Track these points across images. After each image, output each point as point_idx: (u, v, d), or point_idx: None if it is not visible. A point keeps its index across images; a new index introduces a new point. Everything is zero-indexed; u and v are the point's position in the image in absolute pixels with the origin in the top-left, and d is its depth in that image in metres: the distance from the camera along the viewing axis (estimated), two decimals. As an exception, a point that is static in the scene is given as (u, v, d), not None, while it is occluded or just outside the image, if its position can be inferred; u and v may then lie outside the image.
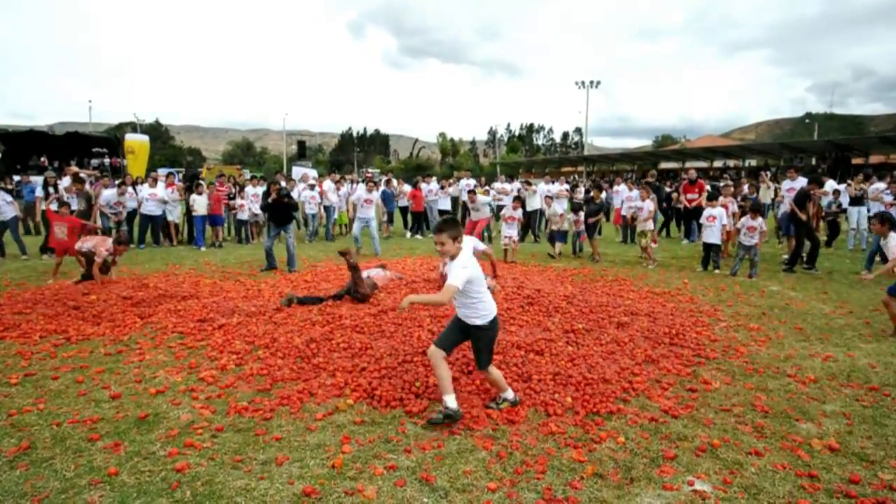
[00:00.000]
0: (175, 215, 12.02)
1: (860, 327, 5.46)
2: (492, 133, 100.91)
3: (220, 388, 3.65)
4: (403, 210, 14.99)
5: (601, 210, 10.16)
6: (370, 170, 47.93)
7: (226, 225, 12.82)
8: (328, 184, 13.83)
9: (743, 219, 8.45)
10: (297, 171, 19.48)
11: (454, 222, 3.20)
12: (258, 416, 3.24)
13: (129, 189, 11.71)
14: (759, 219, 8.21)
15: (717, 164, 44.82)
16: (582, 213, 10.38)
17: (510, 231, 10.02)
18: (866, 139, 37.14)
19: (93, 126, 58.38)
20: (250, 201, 12.44)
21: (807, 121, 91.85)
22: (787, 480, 2.61)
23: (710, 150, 47.77)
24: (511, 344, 4.29)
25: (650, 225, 9.59)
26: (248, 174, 34.46)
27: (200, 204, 11.54)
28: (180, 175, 22.35)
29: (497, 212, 13.73)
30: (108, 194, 11.01)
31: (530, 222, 13.11)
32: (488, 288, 3.40)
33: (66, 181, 12.12)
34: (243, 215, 12.44)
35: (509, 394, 3.39)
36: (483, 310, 3.20)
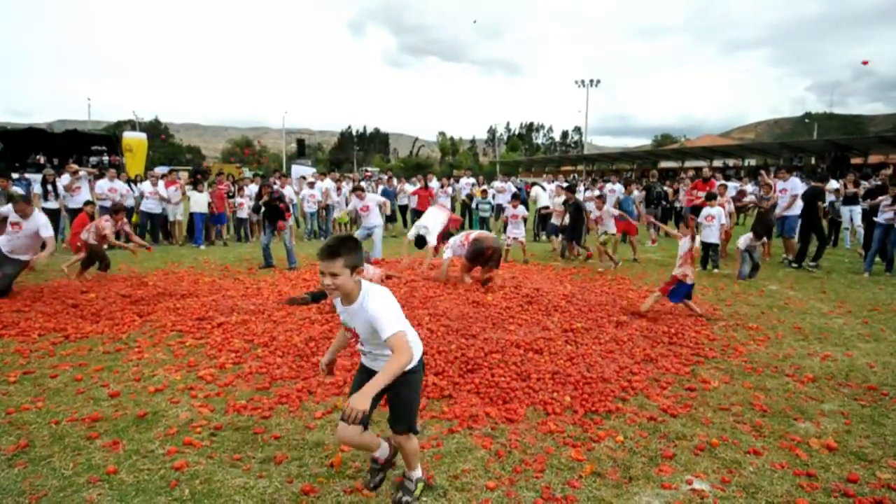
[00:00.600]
0: (178, 213, 11.98)
1: (859, 327, 5.47)
2: (491, 132, 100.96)
3: (218, 387, 3.65)
4: (403, 208, 14.99)
5: (579, 210, 9.94)
6: (369, 169, 47.91)
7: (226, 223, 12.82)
8: (328, 182, 13.82)
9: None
10: (296, 170, 19.47)
11: (352, 243, 2.18)
12: (257, 414, 3.24)
13: (125, 185, 11.71)
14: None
15: (717, 163, 44.82)
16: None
17: (517, 231, 9.88)
18: (866, 139, 37.17)
19: (92, 124, 58.31)
20: (249, 199, 12.45)
21: (806, 120, 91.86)
22: (786, 479, 2.62)
23: (709, 150, 47.76)
24: (510, 343, 4.29)
25: (612, 228, 9.38)
26: (248, 173, 34.44)
27: (199, 201, 11.54)
28: (181, 173, 22.27)
29: (497, 212, 13.74)
30: (101, 183, 11.30)
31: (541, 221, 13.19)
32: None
33: (65, 178, 12.11)
34: (243, 213, 12.44)
35: (419, 472, 2.47)
36: None
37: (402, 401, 2.33)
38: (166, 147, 69.41)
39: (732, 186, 13.42)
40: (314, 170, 23.62)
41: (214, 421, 3.14)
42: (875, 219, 8.72)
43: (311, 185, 13.36)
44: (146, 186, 11.62)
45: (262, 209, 8.98)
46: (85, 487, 2.49)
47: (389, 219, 14.42)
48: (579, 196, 13.75)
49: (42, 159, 27.75)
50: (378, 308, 2.12)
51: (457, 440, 2.97)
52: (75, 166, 11.73)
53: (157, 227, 11.75)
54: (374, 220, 9.33)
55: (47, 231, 6.26)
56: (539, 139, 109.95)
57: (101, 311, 5.50)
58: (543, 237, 13.03)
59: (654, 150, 60.53)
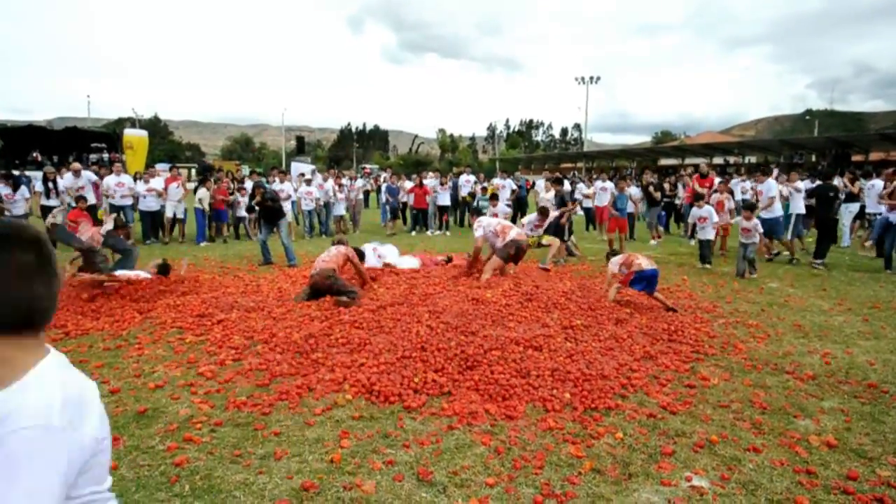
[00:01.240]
0: (180, 210, 11.79)
1: (859, 324, 5.47)
2: (491, 129, 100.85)
3: (218, 383, 3.65)
4: (404, 206, 14.97)
5: (564, 204, 9.85)
6: (368, 166, 47.87)
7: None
8: (329, 183, 13.67)
9: (737, 218, 8.46)
10: (295, 168, 19.43)
11: None
12: (257, 410, 3.24)
13: (131, 179, 11.65)
14: (754, 220, 8.14)
15: (717, 160, 44.79)
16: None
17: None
18: (866, 136, 37.09)
19: (91, 121, 58.26)
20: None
21: (807, 117, 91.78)
22: (785, 476, 2.62)
23: (709, 147, 47.69)
24: (510, 340, 4.28)
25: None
26: (246, 170, 34.39)
27: (204, 199, 11.47)
28: (181, 170, 22.17)
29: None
30: (108, 179, 11.20)
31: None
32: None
33: (67, 177, 12.09)
34: (241, 211, 12.42)
35: None
36: None
37: None
38: (166, 144, 69.28)
39: (736, 183, 13.29)
40: (314, 167, 23.60)
41: (214, 417, 3.14)
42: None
43: (309, 182, 13.32)
44: (140, 187, 11.47)
45: (257, 209, 9.04)
46: (85, 483, 2.49)
47: (393, 216, 14.40)
48: (577, 195, 13.72)
49: (39, 156, 27.76)
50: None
51: (456, 437, 2.97)
52: (77, 165, 11.67)
53: (158, 225, 11.69)
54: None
55: None
56: (539, 136, 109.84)
57: (102, 308, 5.50)
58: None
59: (654, 148, 60.51)
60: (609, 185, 13.34)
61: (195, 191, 11.98)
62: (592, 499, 2.44)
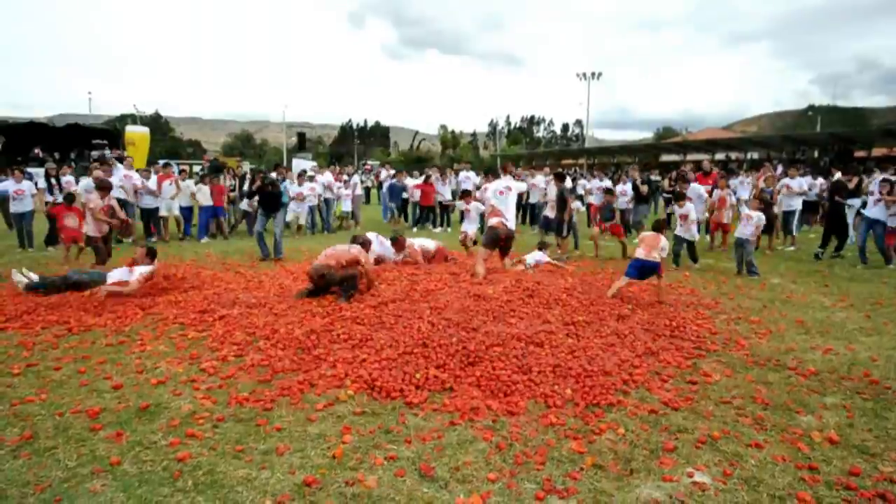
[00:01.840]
0: (175, 208, 11.65)
1: (861, 321, 5.46)
2: (493, 125, 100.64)
3: (221, 379, 3.66)
4: (405, 203, 14.98)
5: (563, 201, 9.72)
6: (370, 162, 47.80)
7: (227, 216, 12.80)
8: (328, 176, 13.76)
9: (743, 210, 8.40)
10: (297, 164, 19.42)
11: None
12: (259, 406, 3.25)
13: (138, 175, 11.55)
14: (758, 212, 8.11)
15: (720, 156, 44.67)
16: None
17: (469, 226, 9.39)
18: (869, 132, 37.01)
19: (93, 118, 58.23)
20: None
21: (809, 113, 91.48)
22: (787, 472, 2.62)
23: (711, 143, 47.57)
24: (511, 336, 4.29)
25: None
26: (247, 166, 34.36)
27: (203, 195, 11.49)
28: (179, 168, 21.94)
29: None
30: (116, 170, 11.10)
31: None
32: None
33: (68, 176, 12.08)
34: (245, 206, 12.42)
35: None
36: None
37: None
38: (168, 141, 69.27)
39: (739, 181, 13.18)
40: (314, 163, 23.56)
41: (217, 412, 3.15)
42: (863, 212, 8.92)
43: (312, 178, 13.32)
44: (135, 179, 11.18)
45: (257, 196, 9.13)
46: (89, 478, 2.50)
47: (401, 213, 14.34)
48: (580, 191, 13.64)
49: (40, 153, 27.74)
50: None
51: (458, 432, 2.98)
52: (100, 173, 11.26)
53: (157, 222, 11.56)
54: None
55: None
56: (540, 132, 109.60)
57: (104, 304, 5.51)
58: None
59: (655, 144, 60.34)
60: (608, 184, 13.24)
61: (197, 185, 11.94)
62: (594, 494, 2.44)
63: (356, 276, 5.62)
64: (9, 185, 9.84)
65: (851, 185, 11.14)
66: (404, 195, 14.87)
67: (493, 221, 6.78)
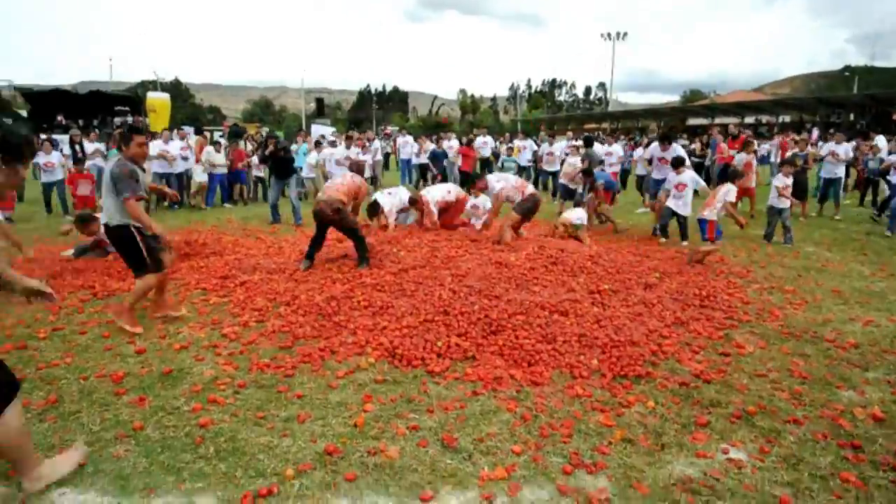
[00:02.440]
0: (199, 173, 11.19)
1: (903, 291, 5.21)
2: (513, 89, 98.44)
3: (242, 345, 3.64)
4: (424, 167, 14.66)
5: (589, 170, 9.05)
6: (389, 127, 47.25)
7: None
8: (340, 150, 13.26)
9: (777, 177, 8.01)
10: (315, 130, 19.21)
11: None
12: (280, 373, 3.22)
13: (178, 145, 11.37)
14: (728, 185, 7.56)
15: (749, 119, 43.08)
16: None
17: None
18: (911, 93, 35.15)
19: (113, 85, 58.44)
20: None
21: (846, 73, 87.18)
22: (829, 451, 2.50)
23: (741, 106, 45.86)
24: (535, 304, 4.17)
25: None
26: (266, 133, 34.23)
27: (218, 161, 11.39)
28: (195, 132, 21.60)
29: (519, 172, 13.27)
30: (155, 143, 10.60)
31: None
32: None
33: (96, 143, 12.08)
34: (260, 172, 12.37)
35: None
36: None
37: None
38: (188, 108, 69.36)
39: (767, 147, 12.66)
40: (334, 129, 23.31)
41: (238, 378, 3.13)
42: None
43: (333, 143, 13.10)
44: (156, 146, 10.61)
45: (268, 161, 9.06)
46: (112, 443, 2.50)
47: (444, 180, 13.99)
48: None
49: (63, 120, 27.99)
50: None
51: (481, 402, 2.91)
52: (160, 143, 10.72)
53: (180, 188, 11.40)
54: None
55: None
56: (562, 96, 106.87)
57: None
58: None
59: (682, 107, 58.39)
60: (616, 147, 12.17)
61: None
62: (624, 469, 2.35)
63: (360, 234, 5.42)
64: (38, 158, 9.80)
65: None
66: (423, 159, 14.42)
67: (530, 189, 6.58)
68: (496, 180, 6.80)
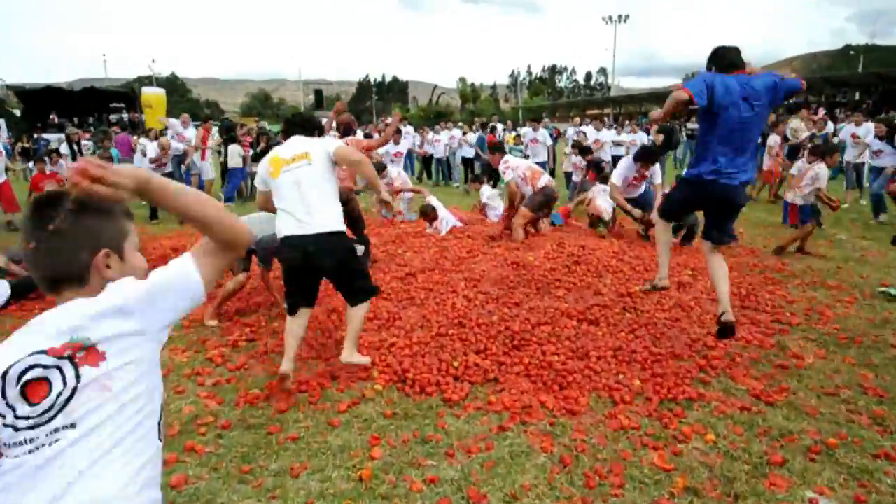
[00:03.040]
0: (210, 172, 10.26)
1: (961, 283, 4.72)
2: (513, 76, 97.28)
3: (229, 371, 3.19)
4: (427, 161, 14.10)
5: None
6: (389, 118, 46.59)
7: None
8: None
9: (798, 163, 7.48)
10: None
11: None
12: (272, 407, 2.76)
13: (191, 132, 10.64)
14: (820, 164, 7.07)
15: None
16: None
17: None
18: (920, 70, 34.27)
19: (109, 81, 57.82)
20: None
21: (851, 52, 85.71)
22: (945, 501, 2.04)
23: (747, 87, 44.92)
24: (560, 312, 3.71)
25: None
26: (265, 126, 33.63)
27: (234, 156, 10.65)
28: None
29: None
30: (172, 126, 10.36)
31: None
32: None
33: (85, 140, 11.52)
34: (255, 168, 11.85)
35: None
36: None
37: None
38: (185, 102, 68.50)
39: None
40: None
41: (223, 417, 2.68)
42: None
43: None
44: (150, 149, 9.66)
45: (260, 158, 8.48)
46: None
47: (490, 177, 13.10)
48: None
49: (56, 119, 27.48)
50: None
51: (510, 441, 2.45)
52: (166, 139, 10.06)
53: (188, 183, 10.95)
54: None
55: None
56: (562, 82, 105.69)
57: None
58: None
59: (686, 90, 57.19)
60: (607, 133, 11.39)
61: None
62: (695, 533, 1.90)
63: (363, 228, 4.84)
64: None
65: None
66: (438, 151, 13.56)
67: (543, 180, 5.98)
68: (504, 168, 6.16)
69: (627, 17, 48.48)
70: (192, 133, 10.28)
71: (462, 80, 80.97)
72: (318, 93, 43.34)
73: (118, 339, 0.94)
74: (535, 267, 4.56)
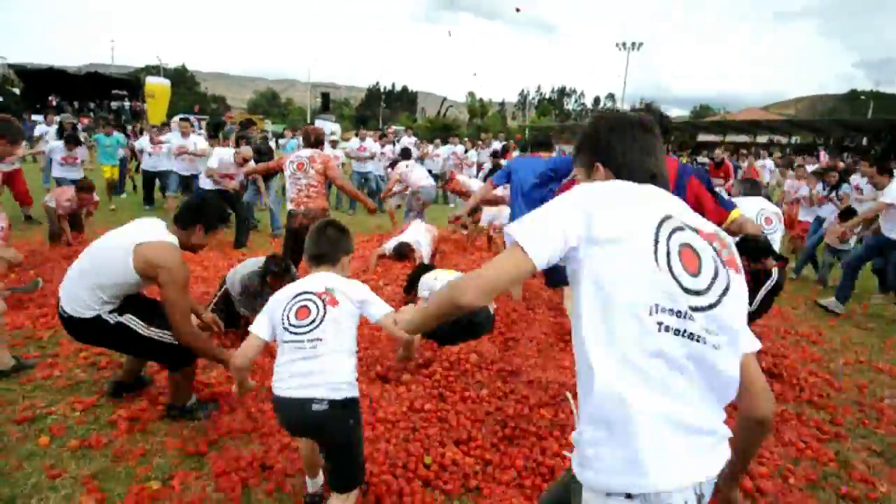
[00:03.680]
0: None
1: None
2: (523, 95, 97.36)
3: (123, 440, 2.43)
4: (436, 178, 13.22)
5: None
6: (394, 127, 46.11)
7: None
8: (370, 142, 11.18)
9: (830, 220, 6.85)
10: (318, 126, 17.95)
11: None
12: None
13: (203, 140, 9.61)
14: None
15: (762, 138, 41.87)
16: None
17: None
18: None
19: (116, 68, 57.39)
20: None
21: (861, 97, 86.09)
22: None
23: (754, 124, 44.69)
24: (568, 388, 2.98)
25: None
26: (269, 126, 33.12)
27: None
28: (202, 123, 19.70)
29: None
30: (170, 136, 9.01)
31: None
32: None
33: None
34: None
35: None
36: None
37: None
38: (192, 95, 67.85)
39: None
40: (338, 125, 22.07)
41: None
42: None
43: (333, 144, 11.41)
44: (175, 139, 8.72)
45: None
46: None
47: None
48: None
49: (55, 101, 26.79)
50: None
51: None
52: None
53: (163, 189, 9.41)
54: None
55: None
56: (570, 105, 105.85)
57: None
58: None
59: (693, 122, 57.14)
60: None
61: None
62: None
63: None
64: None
65: None
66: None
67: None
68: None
69: (641, 44, 48.20)
70: (196, 143, 8.56)
71: (471, 94, 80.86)
72: (326, 96, 42.87)
73: (345, 301, 1.93)
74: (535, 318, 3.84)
